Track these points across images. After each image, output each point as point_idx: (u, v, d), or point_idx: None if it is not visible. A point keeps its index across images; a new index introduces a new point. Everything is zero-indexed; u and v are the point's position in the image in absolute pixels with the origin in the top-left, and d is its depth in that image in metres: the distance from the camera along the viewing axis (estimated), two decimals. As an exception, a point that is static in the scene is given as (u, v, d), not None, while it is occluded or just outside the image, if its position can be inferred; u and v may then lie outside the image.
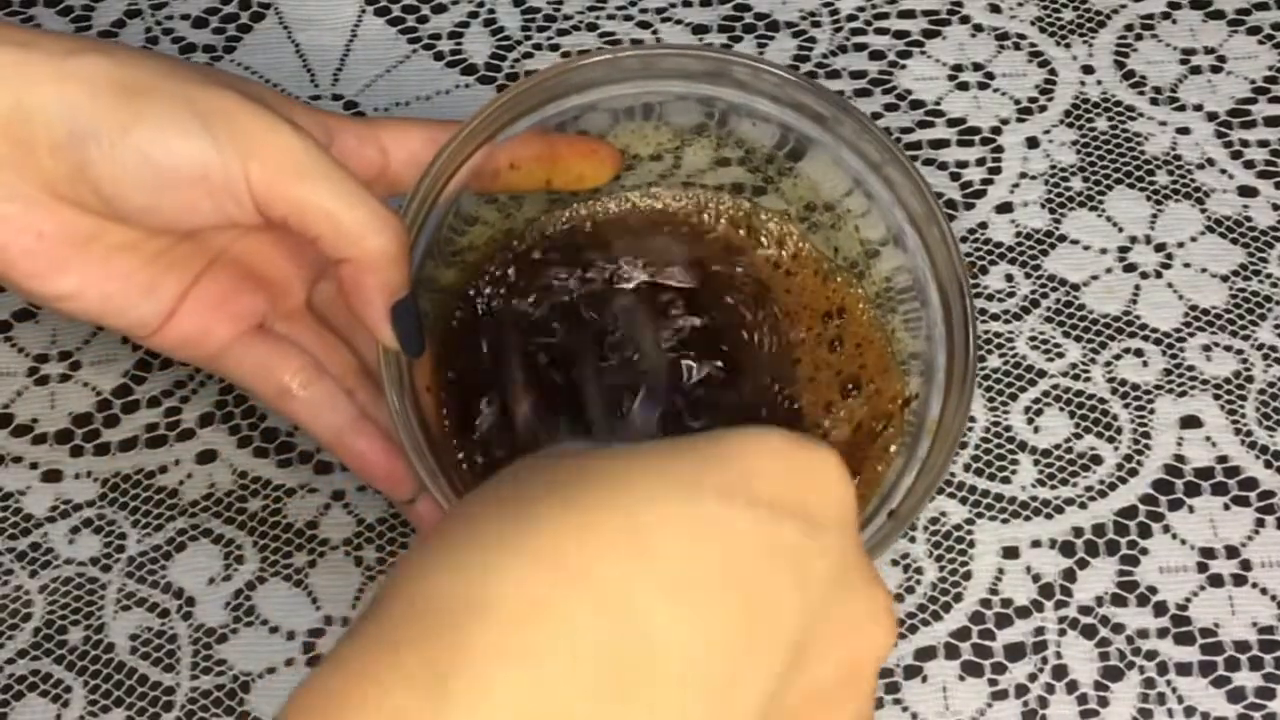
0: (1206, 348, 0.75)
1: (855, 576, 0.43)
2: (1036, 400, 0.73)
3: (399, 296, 0.59)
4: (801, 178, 0.69)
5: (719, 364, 0.66)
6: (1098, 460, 0.72)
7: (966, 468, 0.71)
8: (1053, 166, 0.79)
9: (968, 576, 0.69)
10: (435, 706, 0.36)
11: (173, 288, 0.61)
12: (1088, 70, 0.82)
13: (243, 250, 0.63)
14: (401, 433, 0.60)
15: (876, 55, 0.82)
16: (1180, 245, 0.77)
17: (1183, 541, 0.70)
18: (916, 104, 0.81)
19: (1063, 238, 0.77)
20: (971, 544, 0.70)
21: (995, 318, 0.75)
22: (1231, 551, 0.70)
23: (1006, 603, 0.69)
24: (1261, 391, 0.74)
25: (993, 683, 0.67)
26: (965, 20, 0.84)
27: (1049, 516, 0.70)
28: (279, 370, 0.64)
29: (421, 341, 0.60)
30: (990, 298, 0.76)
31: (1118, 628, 0.68)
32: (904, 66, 0.82)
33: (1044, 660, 0.67)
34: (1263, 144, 0.80)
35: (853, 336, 0.68)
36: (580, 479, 0.40)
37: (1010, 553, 0.70)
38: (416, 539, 0.61)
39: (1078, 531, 0.70)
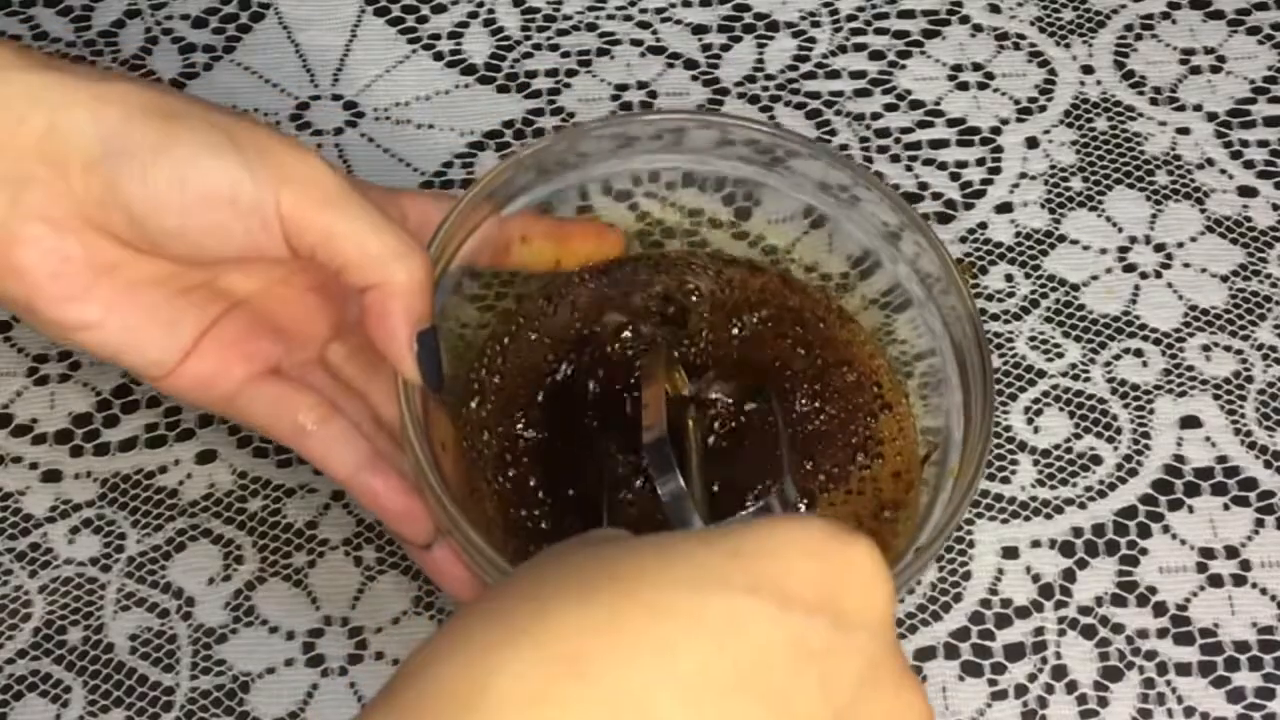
0: (1206, 348, 0.75)
1: (887, 676, 0.42)
2: (1036, 400, 0.73)
3: (423, 326, 0.59)
4: (812, 246, 0.71)
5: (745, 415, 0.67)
6: (1097, 460, 0.72)
7: (966, 468, 0.71)
8: (1052, 166, 0.79)
9: (967, 577, 0.69)
10: None
11: (192, 326, 0.62)
12: (1087, 70, 0.82)
13: (263, 301, 0.64)
14: (427, 472, 0.59)
15: (876, 55, 0.83)
16: (1180, 245, 0.77)
17: (1182, 542, 0.70)
18: (916, 104, 0.81)
19: (1062, 238, 0.77)
20: (971, 544, 0.70)
21: (995, 318, 0.75)
22: (1231, 552, 0.70)
23: (1006, 603, 0.69)
24: (1261, 391, 0.74)
25: (992, 683, 0.67)
26: (965, 20, 0.84)
27: (1049, 517, 0.70)
28: (293, 408, 0.64)
29: (441, 375, 0.60)
30: (990, 298, 0.76)
31: (1117, 628, 0.68)
32: (904, 66, 0.82)
33: (1043, 660, 0.67)
34: (1262, 144, 0.80)
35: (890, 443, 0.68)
36: (603, 571, 0.40)
37: (1010, 553, 0.70)
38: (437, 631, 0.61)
39: (1077, 531, 0.70)
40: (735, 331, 0.68)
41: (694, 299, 0.69)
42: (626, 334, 0.68)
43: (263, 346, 0.64)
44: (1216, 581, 0.69)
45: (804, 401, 0.66)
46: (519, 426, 0.65)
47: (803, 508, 0.64)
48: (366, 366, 0.65)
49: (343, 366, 0.66)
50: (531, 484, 0.64)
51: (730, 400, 0.66)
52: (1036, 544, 0.70)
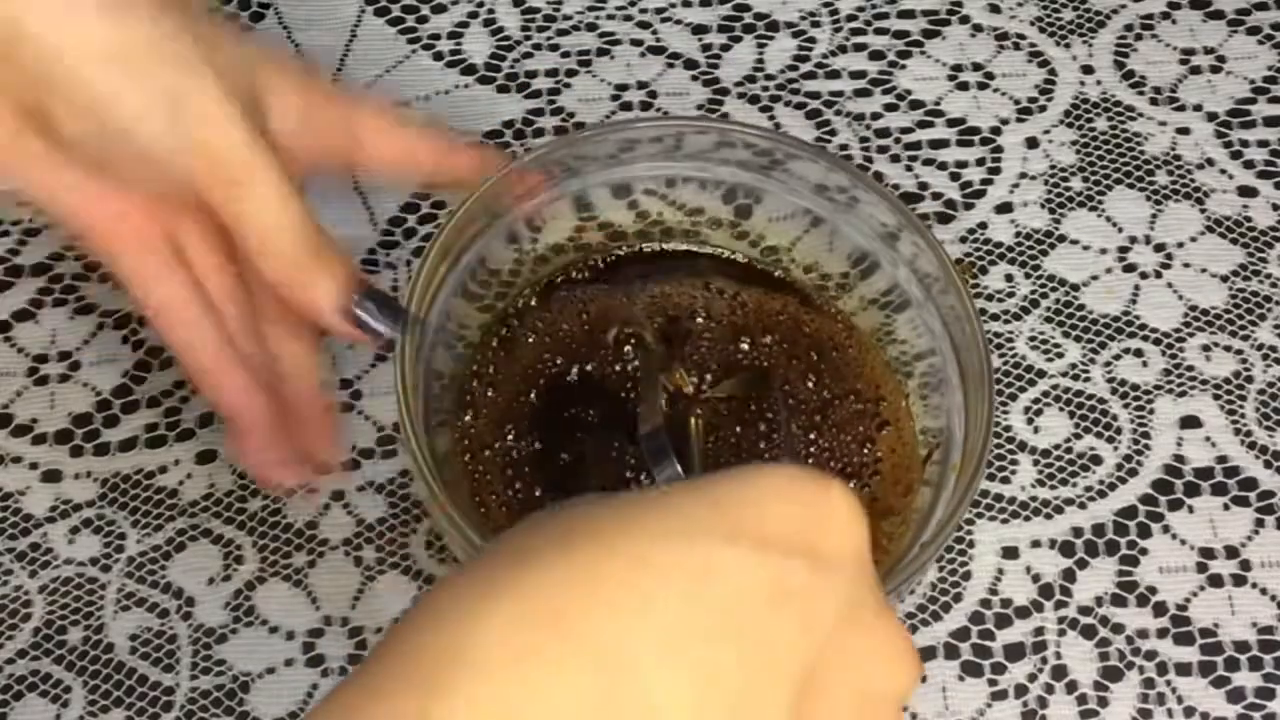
0: (1206, 348, 0.75)
1: (868, 614, 0.42)
2: (1036, 400, 0.73)
3: (344, 303, 0.59)
4: (810, 250, 0.71)
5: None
6: (1097, 460, 0.72)
7: (966, 468, 0.71)
8: (1052, 166, 0.79)
9: (967, 577, 0.69)
10: None
11: None
12: (1087, 70, 0.83)
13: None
14: (433, 487, 0.59)
15: (876, 55, 0.83)
16: (1180, 245, 0.77)
17: (1182, 542, 0.70)
18: (916, 104, 0.81)
19: (1062, 238, 0.77)
20: (971, 544, 0.70)
21: (995, 318, 0.75)
22: (1231, 552, 0.70)
23: (1006, 603, 0.69)
24: (1261, 391, 0.74)
25: (992, 683, 0.67)
26: (965, 20, 0.84)
27: (1049, 517, 0.71)
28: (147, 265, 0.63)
29: (402, 313, 0.60)
30: (990, 298, 0.76)
31: (1117, 628, 0.68)
32: (904, 66, 0.82)
33: (1043, 660, 0.67)
34: (1262, 144, 0.80)
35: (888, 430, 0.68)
36: (585, 527, 0.40)
37: (1010, 553, 0.70)
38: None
39: (1077, 531, 0.70)
40: (742, 349, 0.69)
41: (698, 320, 0.69)
42: (627, 347, 0.68)
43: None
44: (1216, 581, 0.69)
45: (799, 432, 0.66)
46: (517, 438, 0.65)
47: None
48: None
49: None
50: (537, 494, 0.64)
51: (733, 395, 0.66)
52: (1036, 544, 0.70)
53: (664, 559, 0.39)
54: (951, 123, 0.81)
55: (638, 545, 0.39)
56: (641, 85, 0.81)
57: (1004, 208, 0.78)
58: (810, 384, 0.68)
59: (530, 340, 0.68)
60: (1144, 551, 0.70)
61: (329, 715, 0.38)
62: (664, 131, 0.69)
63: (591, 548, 0.39)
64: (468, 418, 0.65)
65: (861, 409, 0.68)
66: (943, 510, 0.62)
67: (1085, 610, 0.69)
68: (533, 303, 0.69)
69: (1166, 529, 0.70)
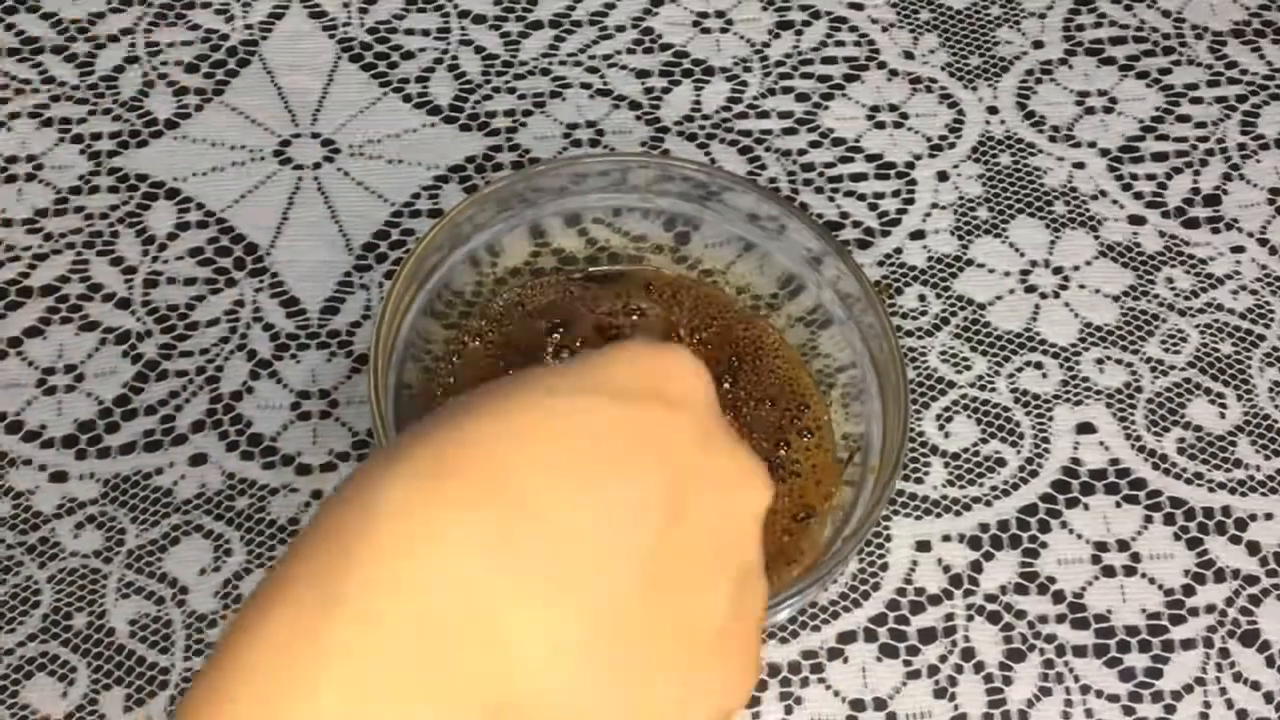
0: (1100, 361, 0.77)
1: (719, 443, 0.44)
2: (947, 408, 0.75)
3: None
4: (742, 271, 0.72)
5: None
6: (1002, 463, 0.74)
7: (883, 469, 0.72)
8: (961, 198, 0.81)
9: (884, 568, 0.71)
10: (327, 614, 0.38)
11: None
12: (992, 111, 0.85)
13: None
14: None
15: (802, 97, 0.84)
16: (1076, 268, 0.80)
17: (1078, 536, 0.73)
18: (838, 141, 0.83)
19: (970, 262, 0.79)
20: (888, 538, 0.72)
21: (910, 334, 0.77)
22: (1122, 545, 0.72)
23: (920, 591, 0.71)
24: (1150, 400, 0.76)
25: (907, 663, 0.69)
26: (882, 66, 0.86)
27: (958, 514, 0.73)
28: None
29: None
30: (905, 316, 0.77)
31: (1020, 614, 0.70)
32: (827, 107, 0.84)
33: (953, 643, 0.70)
34: (1150, 177, 0.83)
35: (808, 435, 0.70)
36: (461, 405, 0.43)
37: (923, 546, 0.72)
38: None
39: (984, 527, 0.72)
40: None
41: (633, 316, 0.70)
42: (555, 335, 0.69)
43: None
44: (1109, 572, 0.72)
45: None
46: None
47: None
48: None
49: None
50: None
51: None
52: (947, 538, 0.72)
53: (528, 409, 0.42)
54: (870, 158, 0.82)
55: (504, 404, 0.42)
56: (590, 124, 0.83)
57: (917, 235, 0.80)
58: (726, 385, 0.69)
59: (476, 344, 0.69)
60: (1044, 545, 0.72)
61: (258, 597, 0.40)
62: (611, 166, 0.71)
63: (466, 417, 0.42)
64: None
65: (777, 415, 0.68)
66: (863, 508, 0.64)
67: (991, 598, 0.70)
68: (481, 323, 0.70)
69: (1064, 525, 0.73)
